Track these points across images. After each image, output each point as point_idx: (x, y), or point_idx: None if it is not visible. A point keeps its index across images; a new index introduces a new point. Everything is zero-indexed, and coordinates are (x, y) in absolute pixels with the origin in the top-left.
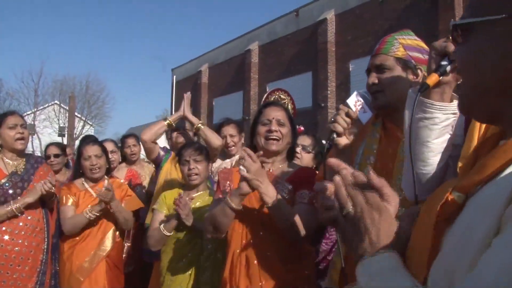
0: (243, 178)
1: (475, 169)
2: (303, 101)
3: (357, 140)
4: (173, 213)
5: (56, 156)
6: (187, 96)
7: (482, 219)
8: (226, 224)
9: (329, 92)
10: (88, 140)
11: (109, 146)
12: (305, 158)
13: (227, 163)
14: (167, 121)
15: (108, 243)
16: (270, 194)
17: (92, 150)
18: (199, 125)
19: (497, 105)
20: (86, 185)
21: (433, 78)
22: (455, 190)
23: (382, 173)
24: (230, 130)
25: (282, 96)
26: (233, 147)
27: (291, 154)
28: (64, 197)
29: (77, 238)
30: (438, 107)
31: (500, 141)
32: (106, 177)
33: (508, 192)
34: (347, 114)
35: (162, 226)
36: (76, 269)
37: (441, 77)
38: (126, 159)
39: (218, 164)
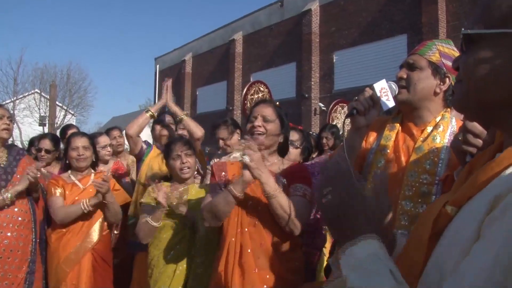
0: (245, 167)
1: (468, 183)
2: (286, 91)
3: (375, 131)
4: (170, 203)
5: (47, 151)
6: (168, 84)
7: (467, 227)
8: (226, 213)
9: (312, 83)
10: (77, 132)
11: (105, 140)
12: (292, 153)
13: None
14: (150, 112)
15: (94, 236)
16: (271, 184)
17: (80, 142)
18: (182, 116)
19: (495, 113)
20: (73, 178)
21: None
22: (448, 204)
23: (394, 164)
24: (221, 133)
25: (261, 88)
26: (228, 148)
27: (282, 150)
28: (52, 188)
29: (64, 230)
30: None
31: (497, 153)
32: (92, 170)
33: (489, 202)
34: (371, 97)
35: (149, 218)
36: (63, 260)
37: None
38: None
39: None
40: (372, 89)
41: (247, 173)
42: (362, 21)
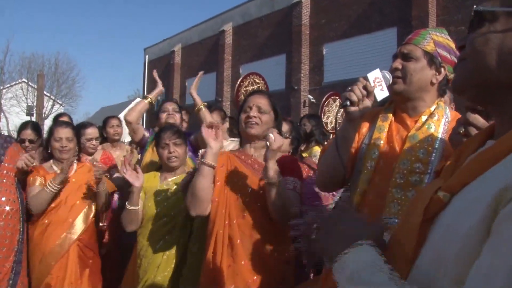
0: (267, 147)
1: (462, 170)
2: (276, 83)
3: (368, 122)
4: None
5: (31, 141)
6: (200, 74)
7: (467, 217)
8: (204, 187)
9: (302, 75)
10: (61, 122)
11: (92, 132)
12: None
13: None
14: (148, 99)
15: (78, 227)
16: (275, 170)
17: (64, 133)
18: (201, 106)
19: (496, 95)
20: (55, 168)
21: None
22: (441, 191)
23: (387, 155)
24: (215, 117)
25: (256, 80)
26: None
27: None
28: (31, 178)
29: (46, 221)
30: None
31: (488, 140)
32: (75, 161)
33: (494, 194)
34: (365, 87)
35: (126, 203)
36: (47, 253)
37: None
38: (106, 140)
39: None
40: (366, 79)
41: (212, 142)
42: (352, 13)
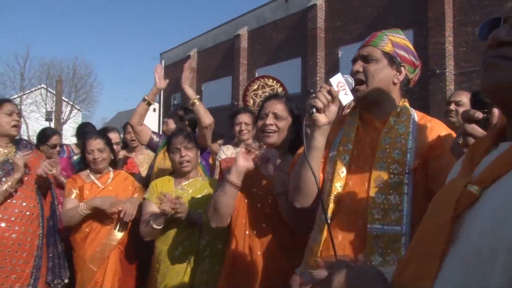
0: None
1: (493, 164)
2: (292, 87)
3: (334, 128)
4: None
5: (60, 145)
6: (187, 65)
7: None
8: (227, 205)
9: (318, 78)
10: (92, 133)
11: (113, 137)
12: None
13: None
14: (146, 101)
15: (118, 233)
16: (282, 179)
17: (95, 144)
18: (195, 100)
19: None
20: (92, 177)
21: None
22: (472, 184)
23: (359, 159)
24: (245, 118)
25: (268, 83)
26: (246, 134)
27: (294, 147)
28: (68, 190)
29: (87, 229)
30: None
31: (501, 143)
32: (111, 169)
33: None
34: (329, 92)
35: (152, 220)
36: (89, 259)
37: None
38: (127, 146)
39: (230, 152)
40: (329, 84)
41: (240, 160)
42: (367, 16)
